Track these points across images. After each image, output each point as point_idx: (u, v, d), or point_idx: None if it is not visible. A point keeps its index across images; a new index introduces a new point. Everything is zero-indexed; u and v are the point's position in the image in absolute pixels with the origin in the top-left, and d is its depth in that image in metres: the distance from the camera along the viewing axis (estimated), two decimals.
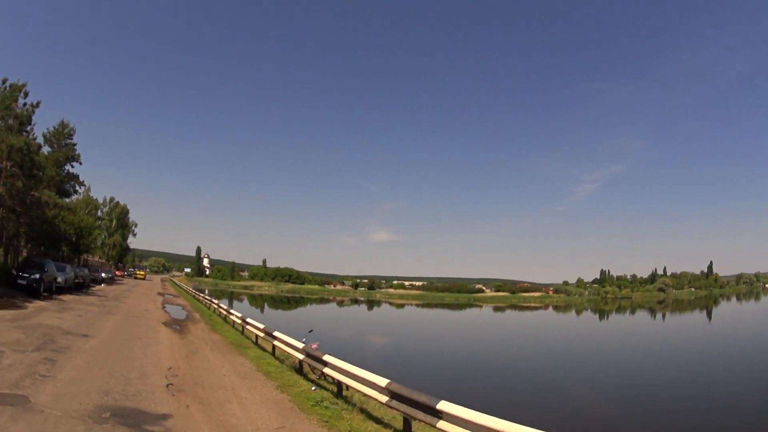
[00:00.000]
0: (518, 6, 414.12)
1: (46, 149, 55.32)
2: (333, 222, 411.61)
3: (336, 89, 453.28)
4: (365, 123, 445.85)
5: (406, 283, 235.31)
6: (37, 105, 39.85)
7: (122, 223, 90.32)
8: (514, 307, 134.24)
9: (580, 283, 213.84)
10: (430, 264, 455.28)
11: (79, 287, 38.59)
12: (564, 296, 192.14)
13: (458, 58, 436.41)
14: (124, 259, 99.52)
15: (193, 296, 47.73)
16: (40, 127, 68.20)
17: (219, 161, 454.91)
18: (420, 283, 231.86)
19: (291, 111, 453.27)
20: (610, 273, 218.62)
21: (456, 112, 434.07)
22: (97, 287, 45.77)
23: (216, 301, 32.57)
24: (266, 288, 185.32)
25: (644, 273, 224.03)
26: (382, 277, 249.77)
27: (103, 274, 58.53)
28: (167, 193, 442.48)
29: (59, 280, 29.59)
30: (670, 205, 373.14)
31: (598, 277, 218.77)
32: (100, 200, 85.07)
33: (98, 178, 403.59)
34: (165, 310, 28.83)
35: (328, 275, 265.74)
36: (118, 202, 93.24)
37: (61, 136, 57.36)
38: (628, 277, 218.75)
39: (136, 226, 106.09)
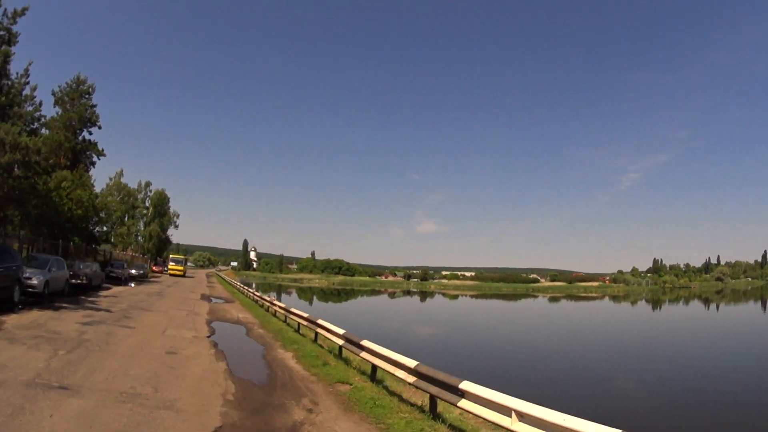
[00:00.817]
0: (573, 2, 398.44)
1: (56, 110, 41.84)
2: (379, 214, 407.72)
3: (382, 80, 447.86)
4: (412, 114, 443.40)
5: (458, 273, 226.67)
6: (22, 13, 25.70)
7: (161, 211, 77.02)
8: (571, 297, 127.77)
9: (635, 272, 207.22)
10: (475, 255, 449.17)
11: (79, 290, 23.81)
12: (623, 286, 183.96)
13: (504, 47, 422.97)
14: (163, 253, 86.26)
15: (257, 300, 31.93)
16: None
17: (265, 155, 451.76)
18: (470, 274, 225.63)
19: (338, 102, 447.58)
20: (663, 262, 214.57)
21: (500, 103, 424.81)
22: (116, 289, 30.98)
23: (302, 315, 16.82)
24: (317, 281, 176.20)
25: (696, 262, 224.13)
26: (428, 267, 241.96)
27: (132, 271, 44.29)
28: (212, 187, 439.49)
29: (34, 282, 18.54)
30: (717, 194, 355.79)
31: (651, 266, 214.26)
32: (134, 186, 71.35)
33: (141, 172, 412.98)
34: (218, 349, 12.51)
35: (376, 267, 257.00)
36: (156, 188, 79.71)
37: (76, 95, 43.13)
38: (682, 266, 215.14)
39: (177, 217, 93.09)
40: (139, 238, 71.91)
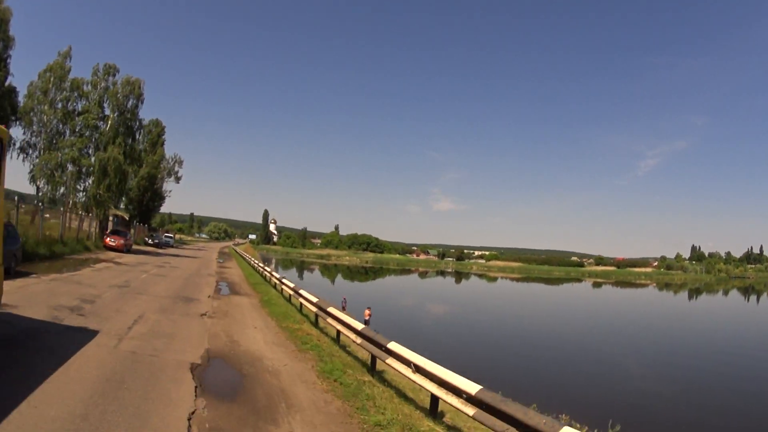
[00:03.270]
0: None
1: None
2: (397, 190, 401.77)
3: (406, 60, 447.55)
4: (432, 92, 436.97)
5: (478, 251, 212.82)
6: None
7: (131, 126, 36.89)
8: (624, 283, 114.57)
9: (679, 258, 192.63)
10: (491, 234, 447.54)
11: None
12: (681, 273, 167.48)
13: (526, 31, 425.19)
14: (151, 216, 57.81)
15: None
16: None
17: (285, 127, 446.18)
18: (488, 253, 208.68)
19: (360, 80, 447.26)
20: (700, 248, 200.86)
21: (520, 85, 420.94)
22: None
23: None
24: (346, 258, 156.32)
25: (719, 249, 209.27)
26: (445, 246, 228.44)
27: None
28: (230, 156, 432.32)
29: None
30: (736, 182, 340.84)
31: (689, 253, 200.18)
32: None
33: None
34: None
35: (392, 243, 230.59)
36: (126, 77, 37.49)
37: None
38: (722, 254, 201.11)
39: (179, 164, 64.50)
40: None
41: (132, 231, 45.63)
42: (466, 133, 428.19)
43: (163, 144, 53.42)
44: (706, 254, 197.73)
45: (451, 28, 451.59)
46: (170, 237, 57.48)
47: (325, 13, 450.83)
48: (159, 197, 54.93)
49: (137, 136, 37.67)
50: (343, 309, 22.76)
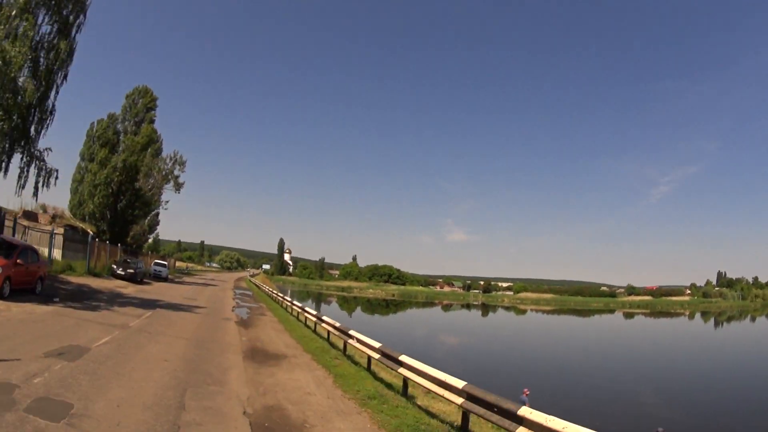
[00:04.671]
0: (593, 4, 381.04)
1: None
2: (410, 221, 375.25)
3: (417, 89, 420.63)
4: (444, 124, 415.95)
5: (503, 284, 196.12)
6: None
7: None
8: (662, 313, 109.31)
9: (709, 285, 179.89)
10: (505, 264, 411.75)
11: None
12: (721, 301, 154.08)
13: (534, 58, 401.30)
14: (128, 231, 37.36)
15: None
16: None
17: (293, 157, 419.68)
18: (507, 285, 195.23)
19: (374, 113, 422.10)
20: (726, 274, 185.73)
21: (530, 114, 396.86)
22: None
23: None
24: (370, 291, 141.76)
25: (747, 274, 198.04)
26: (460, 277, 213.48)
27: None
28: (243, 185, 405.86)
29: None
30: (748, 207, 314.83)
31: (715, 280, 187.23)
32: None
33: None
34: None
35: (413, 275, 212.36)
36: None
37: None
38: (749, 279, 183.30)
39: (181, 164, 45.65)
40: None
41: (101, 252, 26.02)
42: (478, 164, 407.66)
43: (152, 122, 34.71)
44: (734, 279, 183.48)
45: (462, 61, 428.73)
46: (163, 265, 37.62)
47: (339, 49, 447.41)
48: (144, 204, 35.52)
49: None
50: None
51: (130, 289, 23.73)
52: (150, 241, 50.92)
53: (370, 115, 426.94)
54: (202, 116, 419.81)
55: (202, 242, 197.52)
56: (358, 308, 68.63)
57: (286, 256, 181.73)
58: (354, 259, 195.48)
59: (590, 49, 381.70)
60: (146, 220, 45.76)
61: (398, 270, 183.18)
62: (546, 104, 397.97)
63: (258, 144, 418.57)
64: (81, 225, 33.55)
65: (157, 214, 54.50)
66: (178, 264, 78.61)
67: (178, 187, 50.34)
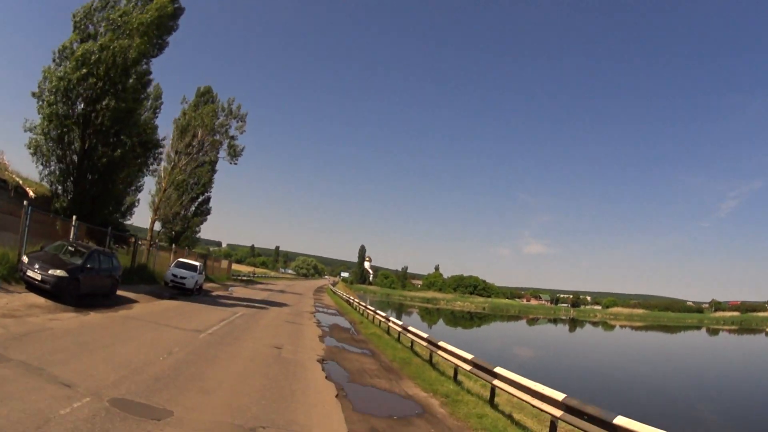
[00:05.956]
0: (665, 22, 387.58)
1: None
2: (487, 232, 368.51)
3: (496, 104, 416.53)
4: (523, 135, 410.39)
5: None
6: None
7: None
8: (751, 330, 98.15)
9: None
10: (579, 278, 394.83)
11: None
12: None
13: (608, 77, 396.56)
14: (108, 202, 18.75)
15: None
16: None
17: (373, 169, 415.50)
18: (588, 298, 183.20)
19: (453, 122, 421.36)
20: None
21: (605, 126, 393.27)
22: None
23: None
24: (458, 303, 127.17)
25: None
26: (534, 289, 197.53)
27: None
28: (319, 192, 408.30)
29: None
30: None
31: None
32: None
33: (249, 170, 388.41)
34: None
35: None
36: None
37: None
38: None
39: (241, 121, 28.62)
40: None
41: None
42: (556, 175, 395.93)
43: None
44: None
45: (538, 73, 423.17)
46: (189, 268, 19.75)
47: (422, 58, 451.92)
48: (145, 146, 17.41)
49: None
50: None
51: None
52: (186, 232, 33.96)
53: (452, 125, 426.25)
54: (283, 121, 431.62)
55: (277, 248, 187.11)
56: (441, 321, 61.45)
57: (366, 264, 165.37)
58: (437, 268, 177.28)
59: (662, 64, 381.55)
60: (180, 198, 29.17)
61: (484, 281, 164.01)
62: (620, 118, 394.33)
63: (338, 152, 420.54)
64: (14, 179, 16.61)
65: (208, 200, 38.16)
66: (237, 268, 62.95)
67: (234, 153, 33.19)
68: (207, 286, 26.89)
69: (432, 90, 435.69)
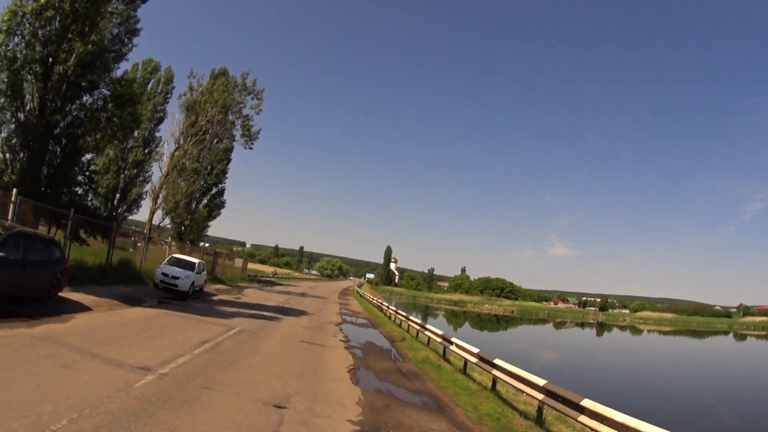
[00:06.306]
0: (692, 19, 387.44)
1: None
2: (511, 234, 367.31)
3: (522, 107, 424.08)
4: (548, 136, 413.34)
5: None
6: None
7: None
8: None
9: None
10: (602, 281, 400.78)
11: None
12: None
13: (632, 78, 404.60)
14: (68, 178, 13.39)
15: None
16: None
17: (400, 171, 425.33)
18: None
19: (479, 125, 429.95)
20: None
21: (629, 129, 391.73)
22: None
23: None
24: (486, 306, 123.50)
25: None
26: (562, 292, 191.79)
27: None
28: (345, 193, 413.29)
29: None
30: None
31: None
32: None
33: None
34: None
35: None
36: None
37: None
38: None
39: (258, 98, 24.74)
40: None
41: None
42: (581, 177, 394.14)
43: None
44: None
45: (563, 75, 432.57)
46: (186, 266, 15.72)
47: (456, 60, 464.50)
48: (127, 100, 12.93)
49: None
50: None
51: None
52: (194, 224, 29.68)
53: (478, 127, 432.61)
54: (309, 122, 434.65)
55: (301, 248, 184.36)
56: (467, 324, 58.08)
57: (392, 266, 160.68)
58: (463, 270, 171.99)
59: (688, 66, 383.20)
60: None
61: (511, 284, 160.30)
62: (645, 120, 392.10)
63: (365, 153, 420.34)
64: None
65: (221, 192, 33.90)
66: (260, 268, 58.87)
67: (249, 135, 29.27)
68: (215, 288, 22.64)
69: (458, 92, 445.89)
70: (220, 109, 25.97)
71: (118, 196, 29.17)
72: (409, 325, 17.12)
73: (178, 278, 16.10)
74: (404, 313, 18.63)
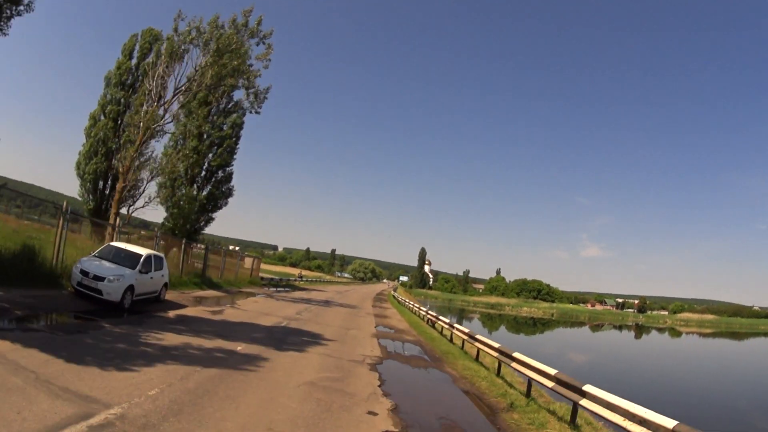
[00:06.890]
0: (720, 22, 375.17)
1: None
2: (543, 235, 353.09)
3: (554, 110, 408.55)
4: (581, 138, 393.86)
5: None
6: None
7: None
8: None
9: None
10: (634, 282, 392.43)
11: None
12: None
13: (665, 75, 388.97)
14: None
15: None
16: None
17: (432, 174, 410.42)
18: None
19: (510, 129, 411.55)
20: None
21: (660, 130, 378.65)
22: None
23: None
24: (524, 309, 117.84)
25: None
26: (599, 294, 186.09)
27: None
28: (377, 196, 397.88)
29: None
30: None
31: None
32: None
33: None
34: None
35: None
36: None
37: None
38: None
39: (267, 44, 17.80)
40: None
41: None
42: (614, 179, 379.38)
43: None
44: None
45: (593, 77, 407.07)
46: (126, 261, 9.86)
47: (485, 62, 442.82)
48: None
49: None
50: None
51: None
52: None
53: (510, 130, 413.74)
54: (344, 126, 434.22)
55: (333, 251, 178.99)
56: (503, 328, 55.05)
57: (426, 268, 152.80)
58: (498, 272, 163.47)
59: (718, 66, 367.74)
60: None
61: (548, 286, 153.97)
62: (675, 120, 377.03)
63: (396, 156, 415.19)
64: None
65: (229, 177, 27.01)
66: (282, 270, 51.88)
67: (256, 96, 22.43)
68: (197, 295, 15.93)
69: (492, 96, 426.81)
70: (216, 57, 19.26)
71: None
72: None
73: (103, 280, 9.34)
74: (494, 343, 10.71)
